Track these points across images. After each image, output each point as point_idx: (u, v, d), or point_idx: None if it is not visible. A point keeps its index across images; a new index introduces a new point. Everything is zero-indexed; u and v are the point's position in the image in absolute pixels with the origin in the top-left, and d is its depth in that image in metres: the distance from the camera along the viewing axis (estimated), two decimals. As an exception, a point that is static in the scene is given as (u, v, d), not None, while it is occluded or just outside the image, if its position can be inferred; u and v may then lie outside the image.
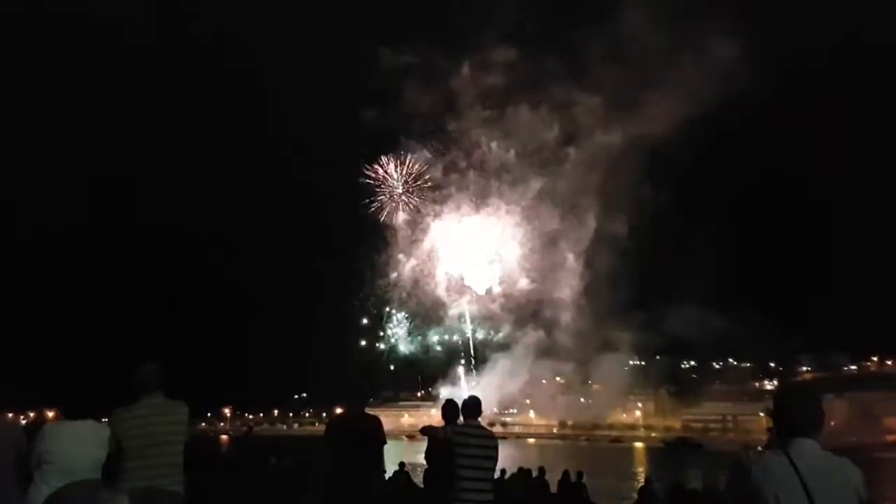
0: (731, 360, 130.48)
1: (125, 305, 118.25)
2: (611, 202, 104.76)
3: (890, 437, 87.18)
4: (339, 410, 8.43)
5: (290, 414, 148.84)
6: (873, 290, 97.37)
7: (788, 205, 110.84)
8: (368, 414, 7.00)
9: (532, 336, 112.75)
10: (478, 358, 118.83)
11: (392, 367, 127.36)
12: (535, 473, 17.74)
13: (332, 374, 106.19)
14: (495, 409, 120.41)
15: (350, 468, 6.50)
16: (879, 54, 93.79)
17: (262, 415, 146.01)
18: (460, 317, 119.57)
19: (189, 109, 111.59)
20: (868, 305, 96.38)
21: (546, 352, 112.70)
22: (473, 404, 7.24)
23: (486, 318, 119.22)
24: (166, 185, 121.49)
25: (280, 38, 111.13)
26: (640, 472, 52.36)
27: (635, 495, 18.28)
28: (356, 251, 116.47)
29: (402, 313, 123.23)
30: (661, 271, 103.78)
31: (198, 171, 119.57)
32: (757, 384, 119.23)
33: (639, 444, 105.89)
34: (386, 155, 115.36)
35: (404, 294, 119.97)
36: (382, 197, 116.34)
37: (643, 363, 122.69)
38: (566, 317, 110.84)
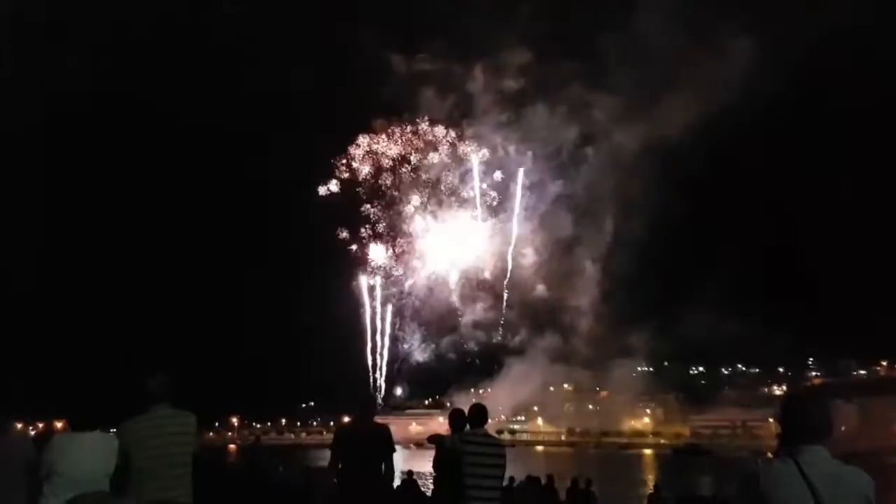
0: (739, 365, 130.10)
1: (133, 315, 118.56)
2: (628, 206, 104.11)
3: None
4: (347, 419, 8.42)
5: (298, 423, 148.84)
6: (883, 295, 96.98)
7: (801, 209, 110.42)
8: (377, 422, 6.96)
9: (546, 343, 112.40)
10: (491, 365, 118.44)
11: (404, 375, 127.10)
12: (543, 481, 17.69)
13: (340, 382, 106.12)
14: (503, 417, 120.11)
15: (358, 477, 6.48)
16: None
17: (269, 424, 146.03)
18: (475, 324, 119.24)
19: (192, 119, 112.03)
20: (877, 310, 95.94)
21: (560, 358, 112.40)
22: (480, 412, 7.23)
23: (501, 325, 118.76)
24: (170, 193, 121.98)
25: (288, 49, 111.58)
26: (650, 479, 52.11)
27: (644, 503, 18.22)
28: (368, 260, 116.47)
29: (416, 322, 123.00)
30: (675, 276, 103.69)
31: (202, 177, 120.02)
32: (766, 390, 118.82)
33: (648, 451, 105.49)
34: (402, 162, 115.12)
35: (417, 302, 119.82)
36: (399, 204, 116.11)
37: (652, 369, 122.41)
38: (581, 323, 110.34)
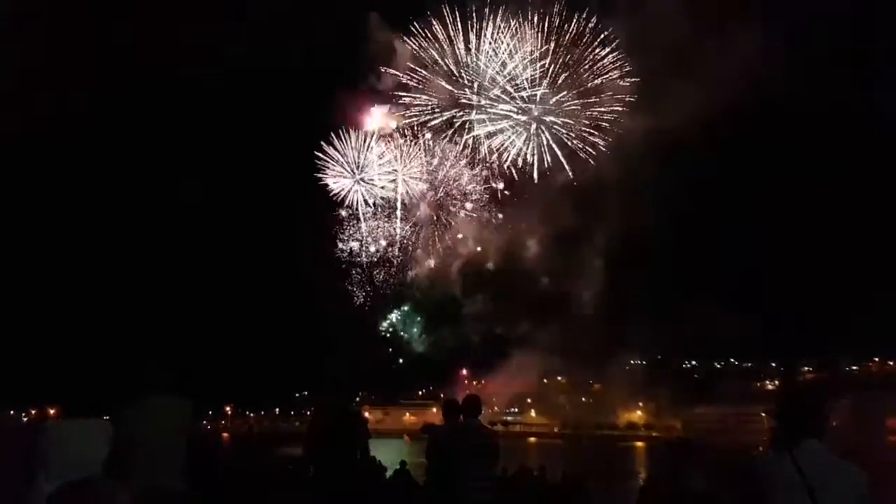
0: (732, 360, 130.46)
1: (127, 303, 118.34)
2: (634, 198, 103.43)
3: (892, 438, 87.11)
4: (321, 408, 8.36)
5: (292, 412, 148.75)
6: (875, 290, 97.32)
7: (796, 203, 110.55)
8: (351, 411, 6.95)
9: (545, 335, 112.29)
10: (491, 357, 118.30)
11: (402, 366, 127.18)
12: (535, 472, 17.74)
13: (333, 371, 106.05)
14: (495, 409, 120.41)
15: (333, 465, 6.46)
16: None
17: (262, 413, 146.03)
18: (476, 315, 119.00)
19: (185, 110, 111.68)
20: (870, 305, 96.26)
21: (557, 351, 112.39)
22: (473, 403, 7.25)
23: (502, 316, 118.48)
24: (164, 188, 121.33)
25: (289, 34, 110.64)
26: (642, 472, 52.35)
27: (637, 495, 18.30)
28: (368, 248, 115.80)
29: (416, 312, 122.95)
30: (674, 270, 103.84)
31: (198, 168, 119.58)
32: (759, 384, 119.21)
33: (640, 444, 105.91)
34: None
35: (419, 294, 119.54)
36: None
37: (645, 363, 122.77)
38: (580, 315, 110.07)
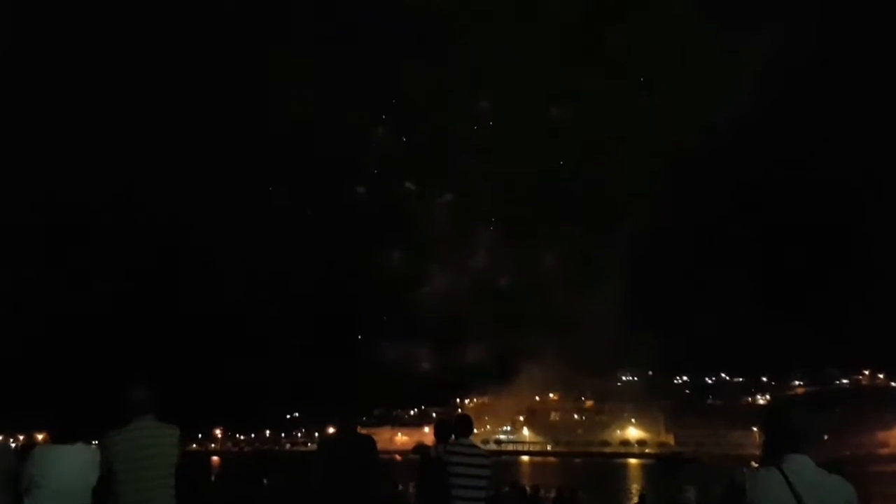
0: (723, 374, 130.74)
1: (116, 327, 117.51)
2: (640, 214, 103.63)
3: (882, 451, 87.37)
4: (331, 430, 8.33)
5: (283, 434, 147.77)
6: (865, 304, 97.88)
7: (786, 217, 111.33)
8: (361, 433, 6.87)
9: (543, 352, 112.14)
10: (486, 376, 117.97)
11: (402, 386, 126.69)
12: (528, 491, 17.64)
13: (323, 392, 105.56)
14: (489, 427, 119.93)
15: (341, 489, 6.40)
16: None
17: (253, 435, 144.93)
18: (487, 331, 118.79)
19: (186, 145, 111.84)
20: (859, 319, 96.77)
21: (555, 368, 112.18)
22: (465, 423, 7.23)
23: (510, 331, 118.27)
24: (159, 210, 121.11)
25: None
26: (635, 488, 52.16)
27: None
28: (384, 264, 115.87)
29: (425, 327, 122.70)
30: (670, 287, 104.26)
31: (195, 194, 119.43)
32: (749, 399, 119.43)
33: (633, 461, 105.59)
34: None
35: (430, 313, 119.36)
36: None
37: (636, 378, 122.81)
38: (577, 332, 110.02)
